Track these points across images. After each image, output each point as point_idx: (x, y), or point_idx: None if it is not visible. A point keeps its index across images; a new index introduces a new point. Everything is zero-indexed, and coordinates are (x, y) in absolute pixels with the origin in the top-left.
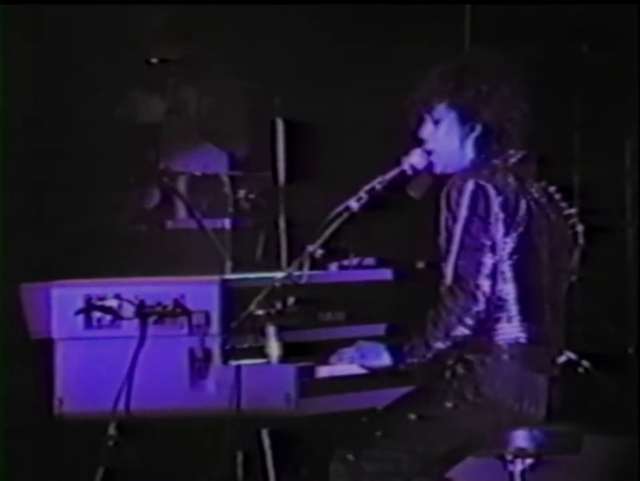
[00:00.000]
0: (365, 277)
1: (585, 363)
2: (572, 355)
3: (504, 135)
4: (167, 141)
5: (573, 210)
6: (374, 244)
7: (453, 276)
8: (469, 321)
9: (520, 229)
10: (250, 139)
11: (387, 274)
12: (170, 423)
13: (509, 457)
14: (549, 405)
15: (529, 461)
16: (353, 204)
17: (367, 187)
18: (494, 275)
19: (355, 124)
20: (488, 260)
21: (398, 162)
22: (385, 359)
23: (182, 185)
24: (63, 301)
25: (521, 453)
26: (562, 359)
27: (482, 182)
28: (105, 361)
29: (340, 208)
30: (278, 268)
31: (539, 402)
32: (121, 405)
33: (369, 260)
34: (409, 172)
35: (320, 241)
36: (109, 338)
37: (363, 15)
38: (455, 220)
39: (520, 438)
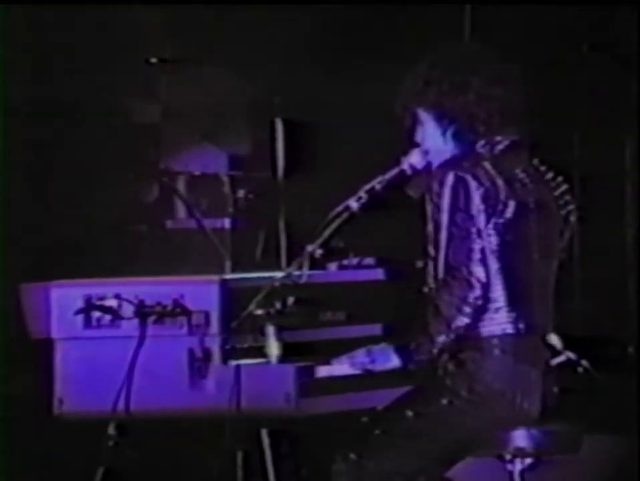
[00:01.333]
0: (365, 277)
1: (585, 363)
2: (572, 355)
3: (479, 124)
4: (167, 142)
5: (565, 187)
6: (374, 244)
7: (446, 267)
8: (467, 309)
9: (504, 220)
10: (250, 139)
11: (386, 274)
12: (170, 423)
13: (508, 457)
14: (544, 398)
15: (528, 460)
16: (353, 204)
17: (367, 187)
18: (484, 260)
19: (355, 124)
20: (477, 246)
21: (398, 162)
22: (395, 361)
23: (182, 185)
24: (62, 301)
25: (520, 453)
26: (560, 359)
27: (461, 174)
28: (105, 360)
29: (340, 207)
30: (278, 268)
31: (533, 396)
32: (121, 405)
33: (369, 260)
34: (409, 171)
35: (319, 241)
36: (108, 338)
37: (363, 15)
38: (439, 211)
39: (520, 438)
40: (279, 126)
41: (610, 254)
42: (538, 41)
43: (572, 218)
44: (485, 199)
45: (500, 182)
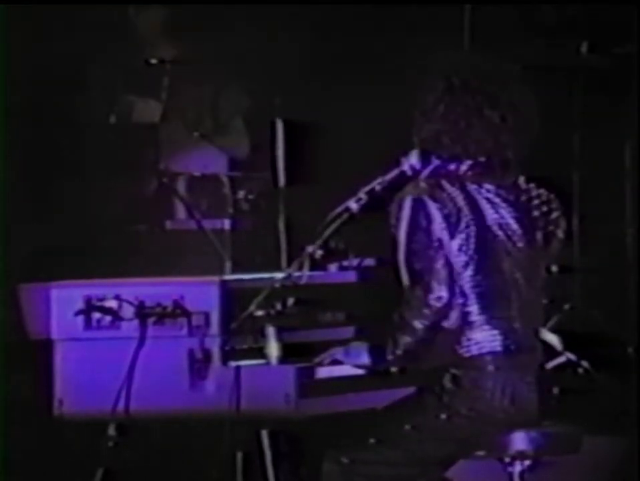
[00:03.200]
0: (365, 277)
1: (585, 363)
2: (572, 356)
3: (442, 149)
4: (167, 142)
5: (552, 205)
6: (374, 244)
7: (409, 275)
8: (426, 311)
9: (470, 238)
10: (250, 140)
11: (386, 274)
12: (170, 423)
13: (508, 459)
14: (541, 401)
15: (528, 462)
16: (353, 205)
17: (367, 188)
18: (448, 265)
19: (355, 125)
20: (439, 254)
21: (398, 163)
22: (365, 359)
23: (181, 185)
24: (62, 302)
25: (520, 456)
26: (560, 359)
27: (418, 197)
28: (105, 361)
29: (339, 208)
30: (278, 268)
31: (531, 401)
32: (120, 406)
33: (369, 261)
34: (409, 172)
35: (319, 242)
36: (108, 339)
37: (364, 15)
38: (397, 230)
39: (519, 441)
40: (279, 127)
41: (610, 255)
42: (537, 41)
43: (560, 235)
44: (446, 218)
45: (460, 199)
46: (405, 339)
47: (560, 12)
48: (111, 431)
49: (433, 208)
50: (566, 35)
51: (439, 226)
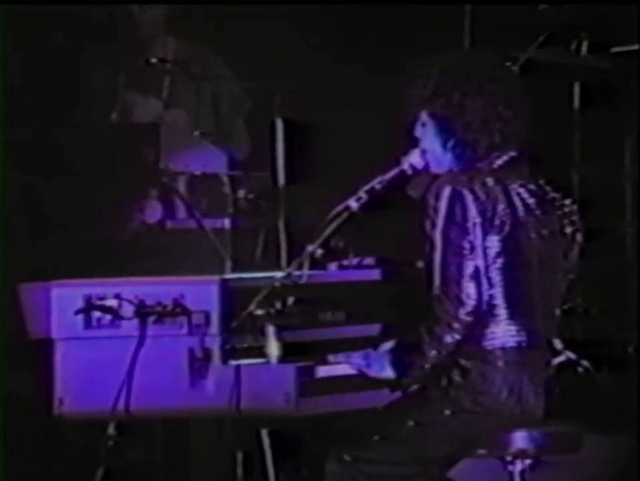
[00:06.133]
0: (365, 277)
1: (585, 363)
2: (572, 355)
3: (480, 145)
4: (166, 141)
5: (572, 207)
6: (374, 244)
7: (440, 283)
8: (457, 326)
9: (502, 233)
10: (250, 139)
11: (385, 274)
12: (170, 423)
13: (509, 458)
14: (547, 403)
15: (528, 461)
16: (353, 204)
17: (367, 187)
18: (477, 277)
19: (355, 124)
20: (470, 263)
21: (398, 162)
22: (389, 372)
23: (182, 185)
24: (62, 301)
25: (521, 455)
26: (560, 359)
27: (458, 188)
28: (105, 360)
29: (339, 207)
30: (278, 268)
31: (537, 402)
32: (120, 405)
33: (369, 260)
34: (409, 171)
35: (319, 241)
36: (108, 338)
37: (364, 15)
38: (434, 226)
39: (520, 440)
40: (279, 126)
41: (610, 255)
42: (537, 41)
43: (579, 239)
44: (482, 213)
45: (498, 196)
46: (434, 353)
47: (560, 12)
48: (112, 430)
49: (470, 201)
50: (566, 35)
51: (473, 222)
